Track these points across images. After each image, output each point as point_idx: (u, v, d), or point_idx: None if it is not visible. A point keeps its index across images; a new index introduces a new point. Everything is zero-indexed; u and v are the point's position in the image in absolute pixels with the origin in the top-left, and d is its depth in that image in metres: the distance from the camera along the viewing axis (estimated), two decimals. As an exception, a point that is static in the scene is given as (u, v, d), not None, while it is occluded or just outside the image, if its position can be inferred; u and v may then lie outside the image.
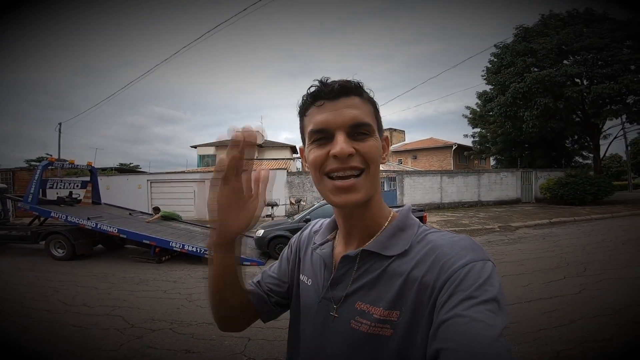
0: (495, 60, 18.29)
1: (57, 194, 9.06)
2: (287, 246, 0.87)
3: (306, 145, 0.65)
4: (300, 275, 0.77)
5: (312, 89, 0.63)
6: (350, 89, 0.61)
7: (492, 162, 26.26)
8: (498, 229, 10.53)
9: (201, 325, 3.74)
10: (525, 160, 20.07)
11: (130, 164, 31.54)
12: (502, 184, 17.52)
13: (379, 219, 0.66)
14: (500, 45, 18.05)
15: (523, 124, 16.70)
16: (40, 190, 8.33)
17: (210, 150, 29.28)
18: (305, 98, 0.64)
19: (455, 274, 0.51)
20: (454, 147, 26.48)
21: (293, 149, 31.18)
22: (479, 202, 17.00)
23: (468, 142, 24.14)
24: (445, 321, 0.47)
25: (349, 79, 0.62)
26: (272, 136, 35.33)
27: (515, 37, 17.66)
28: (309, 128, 0.62)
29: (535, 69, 16.28)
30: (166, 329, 3.63)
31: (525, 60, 16.26)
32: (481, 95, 20.03)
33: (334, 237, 0.74)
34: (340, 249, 0.70)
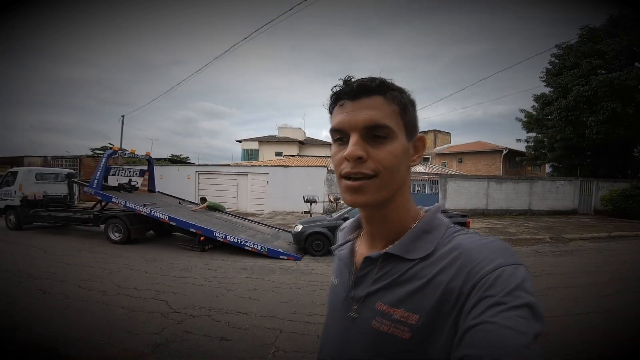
0: (557, 61, 17.01)
1: (117, 181, 9.89)
2: None
3: (332, 142, 0.66)
4: (332, 276, 0.78)
5: (336, 88, 0.63)
6: (371, 88, 0.60)
7: (548, 170, 24.45)
8: (549, 240, 9.83)
9: (237, 314, 3.94)
10: (586, 169, 18.46)
11: (181, 155, 33.45)
12: (558, 193, 16.27)
13: (404, 221, 0.64)
14: (563, 46, 16.76)
15: (586, 129, 15.38)
16: (104, 176, 9.16)
17: (254, 145, 30.24)
18: (331, 97, 0.65)
19: (483, 279, 0.50)
20: (504, 152, 25.02)
21: (334, 147, 31.23)
22: (529, 210, 15.95)
23: (520, 146, 22.66)
24: (472, 327, 0.46)
25: (374, 76, 0.61)
26: (313, 134, 35.66)
27: (580, 38, 16.29)
28: (330, 127, 0.63)
29: (603, 72, 14.90)
30: (204, 316, 3.87)
31: (592, 62, 14.96)
32: (539, 98, 18.71)
33: (356, 237, 0.75)
34: (363, 250, 0.70)
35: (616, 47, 14.55)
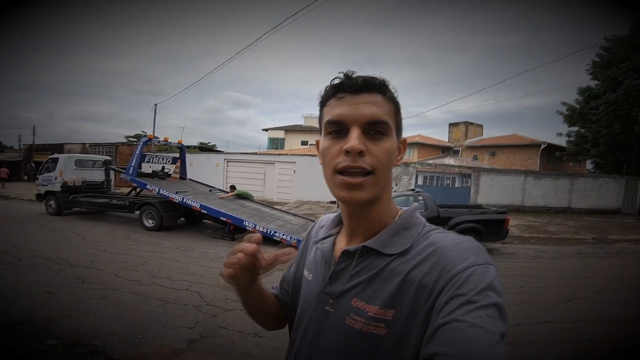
0: (606, 54, 16.01)
1: (150, 168, 10.12)
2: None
3: (321, 136, 0.64)
4: (304, 270, 0.77)
5: (336, 81, 0.62)
6: (374, 86, 0.61)
7: (589, 166, 23.02)
8: (592, 241, 9.30)
9: (269, 310, 3.88)
10: (632, 167, 17.24)
11: (209, 143, 34.09)
12: (601, 191, 15.28)
13: (384, 218, 0.65)
14: (613, 38, 15.68)
15: (636, 125, 14.32)
16: (139, 164, 9.38)
17: (280, 134, 30.36)
18: (327, 89, 0.64)
19: (455, 277, 0.50)
20: (542, 146, 23.71)
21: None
22: (568, 208, 15.09)
23: (560, 141, 21.36)
24: (443, 325, 0.46)
25: (375, 75, 0.62)
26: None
27: (632, 30, 15.19)
28: (326, 118, 0.62)
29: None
30: (237, 310, 3.82)
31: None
32: (584, 91, 17.65)
33: (338, 232, 0.74)
34: (342, 244, 0.69)
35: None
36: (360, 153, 0.57)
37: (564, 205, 15.18)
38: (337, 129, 0.60)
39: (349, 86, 0.60)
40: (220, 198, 9.40)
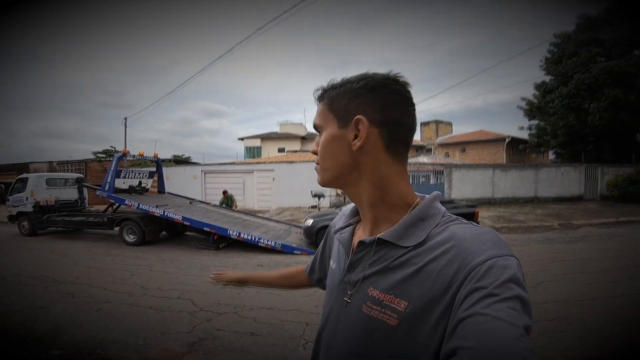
0: (556, 50, 17.18)
1: (124, 183, 9.97)
2: (326, 233, 0.95)
3: None
4: (330, 260, 0.81)
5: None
6: (320, 97, 0.70)
7: (551, 156, 24.44)
8: (558, 227, 9.90)
9: (262, 310, 4.04)
10: (589, 155, 18.49)
11: (183, 155, 33.49)
12: (563, 180, 16.28)
13: (396, 208, 0.65)
14: (561, 35, 16.86)
15: (588, 116, 15.44)
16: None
17: (256, 142, 30.25)
18: None
19: (474, 270, 0.50)
20: (507, 140, 25.00)
21: (337, 141, 31.20)
22: (535, 198, 15.99)
23: (523, 134, 22.63)
24: (464, 319, 0.46)
25: (325, 85, 0.69)
26: (313, 129, 35.61)
27: (578, 27, 16.40)
28: None
29: (602, 59, 14.97)
30: (231, 313, 3.97)
31: (591, 50, 15.09)
32: (540, 86, 18.79)
33: (358, 221, 0.76)
34: (361, 234, 0.72)
35: (614, 35, 14.73)
36: (315, 152, 0.70)
37: (531, 195, 16.04)
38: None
39: None
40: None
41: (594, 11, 17.05)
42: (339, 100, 0.65)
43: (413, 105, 0.66)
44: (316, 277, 1.02)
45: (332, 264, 0.79)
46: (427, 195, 0.67)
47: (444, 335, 0.50)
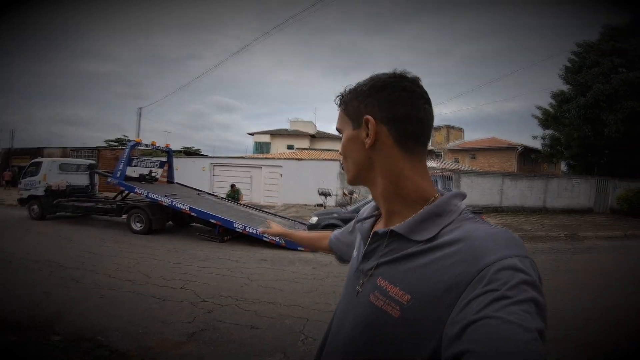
0: (577, 59, 16.82)
1: (134, 171, 10.07)
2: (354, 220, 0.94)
3: None
4: (354, 249, 0.82)
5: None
6: (339, 103, 0.74)
7: (563, 168, 24.05)
8: (564, 237, 9.81)
9: (263, 304, 4.07)
10: (602, 168, 18.15)
11: (193, 147, 33.78)
12: (573, 191, 16.06)
13: (411, 202, 0.65)
14: (584, 44, 16.50)
15: (605, 128, 15.13)
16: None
17: (266, 138, 30.35)
18: None
19: (484, 270, 0.48)
20: (519, 149, 24.67)
21: (346, 141, 31.14)
22: (543, 208, 15.80)
23: (536, 144, 22.26)
24: (474, 322, 0.44)
25: (343, 90, 0.73)
26: (324, 128, 35.54)
27: (602, 36, 16.06)
28: None
29: (623, 70, 14.63)
30: (232, 305, 4.01)
31: (613, 60, 14.74)
32: (557, 95, 18.41)
33: (379, 215, 0.77)
34: (379, 226, 0.73)
35: (638, 46, 14.25)
36: (341, 154, 0.74)
37: (539, 205, 15.86)
38: None
39: None
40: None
41: (619, 22, 16.71)
42: (352, 103, 0.70)
43: (424, 99, 0.66)
44: (334, 248, 1.11)
45: (354, 252, 0.81)
46: (447, 192, 0.66)
47: (442, 333, 0.49)
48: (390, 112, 0.64)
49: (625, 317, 3.89)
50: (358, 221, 0.82)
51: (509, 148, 25.62)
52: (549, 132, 20.54)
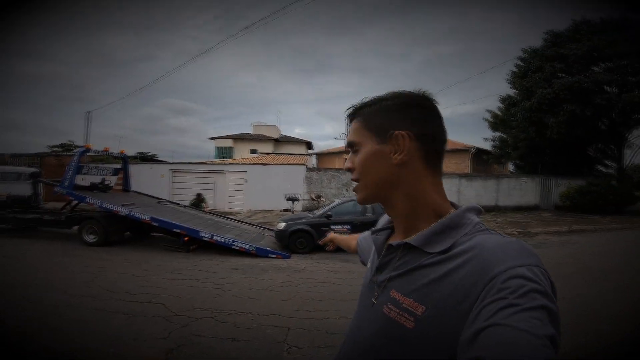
0: (523, 64, 18.08)
1: (83, 180, 9.27)
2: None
3: None
4: (368, 260, 0.85)
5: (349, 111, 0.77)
6: (351, 115, 0.75)
7: (510, 168, 25.86)
8: (517, 234, 10.51)
9: (240, 315, 3.91)
10: (546, 167, 19.76)
11: (148, 153, 32.07)
12: (522, 190, 17.31)
13: (427, 217, 0.66)
14: (529, 50, 17.81)
15: (547, 130, 16.42)
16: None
17: (228, 143, 29.61)
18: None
19: (494, 280, 0.49)
20: (472, 151, 26.17)
21: (308, 145, 31.29)
22: (496, 207, 16.85)
23: (487, 145, 23.79)
24: (484, 329, 0.45)
25: (357, 103, 0.74)
26: (287, 131, 35.35)
27: (545, 42, 17.41)
28: None
29: (564, 75, 15.98)
30: (208, 318, 3.80)
31: (554, 65, 15.99)
32: (504, 99, 19.74)
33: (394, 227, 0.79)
34: (393, 238, 0.74)
35: (577, 51, 15.57)
36: (349, 170, 0.73)
37: (492, 203, 16.89)
38: (349, 150, 0.76)
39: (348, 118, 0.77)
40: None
41: (561, 27, 18.05)
42: (375, 117, 0.70)
43: (443, 119, 0.71)
44: (359, 250, 1.14)
45: (368, 263, 0.83)
46: (462, 206, 0.68)
47: (457, 343, 0.49)
48: (422, 129, 0.67)
49: (592, 308, 4.16)
50: (374, 232, 0.81)
51: (464, 150, 27.08)
52: (498, 134, 22.03)
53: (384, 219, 0.83)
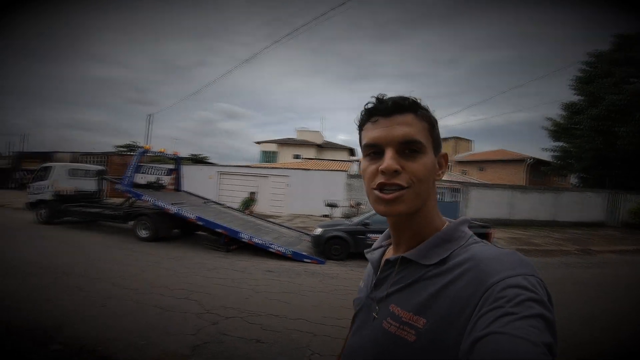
0: (589, 69, 16.58)
1: (142, 178, 10.09)
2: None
3: (362, 157, 0.70)
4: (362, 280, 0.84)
5: (369, 105, 0.67)
6: (404, 107, 0.64)
7: (573, 180, 23.69)
8: (576, 252, 9.60)
9: (269, 317, 3.96)
10: (615, 180, 17.82)
11: (200, 154, 34.03)
12: (584, 205, 15.76)
13: (427, 229, 0.66)
14: (595, 54, 16.31)
15: (617, 140, 14.88)
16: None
17: (273, 147, 30.43)
18: (362, 113, 0.68)
19: (490, 290, 0.50)
20: (528, 161, 24.38)
21: (351, 151, 31.20)
22: (554, 221, 15.50)
23: (546, 156, 21.99)
24: (481, 338, 0.45)
25: (405, 95, 0.65)
26: (330, 137, 35.59)
27: (614, 46, 15.88)
28: (364, 142, 0.67)
29: (636, 80, 14.43)
30: (238, 317, 3.91)
31: (626, 70, 14.48)
32: (568, 107, 18.24)
33: (389, 244, 0.78)
34: (389, 254, 0.74)
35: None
36: (396, 172, 0.61)
37: (549, 218, 15.57)
38: (373, 150, 0.65)
39: (380, 110, 0.65)
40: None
41: (631, 30, 16.51)
42: (436, 129, 0.69)
43: None
44: None
45: (361, 282, 0.82)
46: (453, 220, 0.69)
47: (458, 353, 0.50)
48: (440, 149, 0.70)
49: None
50: (368, 252, 0.82)
51: (518, 160, 25.33)
52: (559, 144, 20.28)
53: (378, 239, 0.84)
